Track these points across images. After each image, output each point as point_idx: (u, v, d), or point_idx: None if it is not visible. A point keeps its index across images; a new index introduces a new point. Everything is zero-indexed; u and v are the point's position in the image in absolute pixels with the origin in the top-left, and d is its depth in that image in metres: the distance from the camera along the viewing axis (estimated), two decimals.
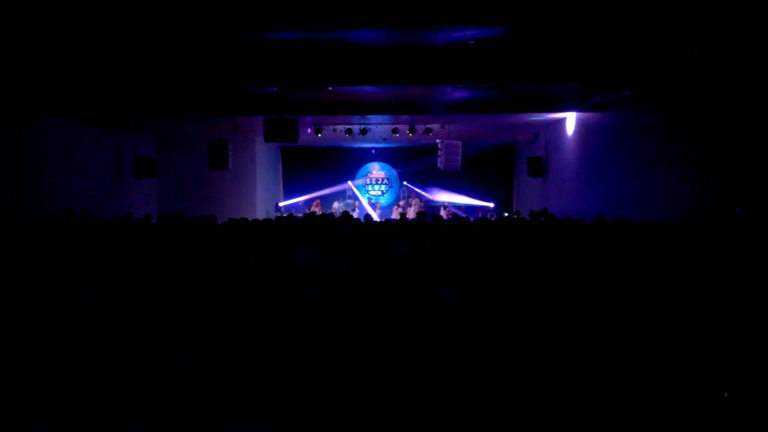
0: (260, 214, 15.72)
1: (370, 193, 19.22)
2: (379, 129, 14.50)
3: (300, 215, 15.32)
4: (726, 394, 3.48)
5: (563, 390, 3.55)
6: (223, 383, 3.37)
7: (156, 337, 3.73)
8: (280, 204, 17.62)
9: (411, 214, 16.78)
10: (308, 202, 17.95)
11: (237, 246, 7.41)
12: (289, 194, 18.59)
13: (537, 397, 3.51)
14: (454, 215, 15.96)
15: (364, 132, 14.31)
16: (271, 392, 3.22)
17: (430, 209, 18.02)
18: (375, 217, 15.54)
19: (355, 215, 16.57)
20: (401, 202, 18.30)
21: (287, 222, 9.48)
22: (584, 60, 8.02)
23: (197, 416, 3.09)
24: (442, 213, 16.66)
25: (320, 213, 15.80)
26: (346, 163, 19.09)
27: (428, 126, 13.91)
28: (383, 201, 18.96)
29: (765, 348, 3.70)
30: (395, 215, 16.61)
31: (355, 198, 18.58)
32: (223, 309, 4.69)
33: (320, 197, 18.07)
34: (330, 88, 8.72)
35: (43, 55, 7.86)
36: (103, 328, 3.74)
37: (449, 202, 17.54)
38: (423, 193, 18.26)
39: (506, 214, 16.62)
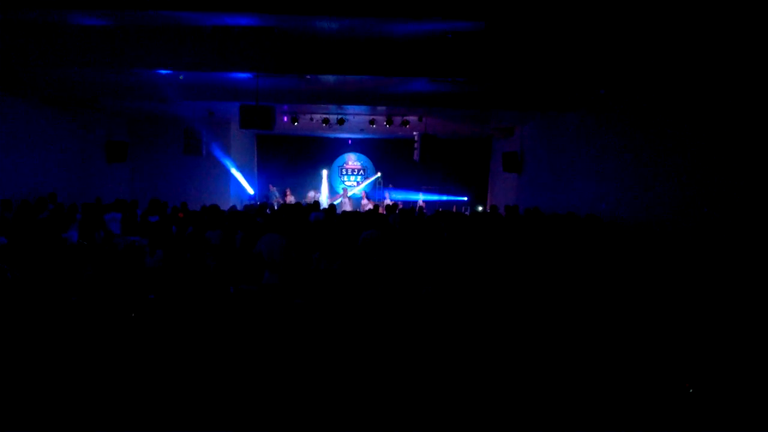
0: (234, 202, 15.57)
1: (346, 184, 19.16)
2: (356, 119, 14.44)
3: (274, 203, 15.23)
4: (690, 390, 3.57)
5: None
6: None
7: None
8: (250, 192, 17.39)
9: (382, 207, 16.78)
10: (281, 191, 17.78)
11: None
12: (263, 182, 18.39)
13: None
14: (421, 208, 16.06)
15: (341, 122, 14.25)
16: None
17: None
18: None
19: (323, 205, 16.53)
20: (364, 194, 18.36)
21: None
22: (559, 57, 8.08)
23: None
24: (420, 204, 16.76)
25: (293, 202, 15.73)
26: (323, 153, 19.00)
27: (405, 118, 13.91)
28: (357, 192, 18.93)
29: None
30: (368, 207, 16.59)
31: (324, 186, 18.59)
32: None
33: (293, 186, 17.95)
34: (308, 77, 8.65)
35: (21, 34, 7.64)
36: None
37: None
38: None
39: (480, 208, 16.75)
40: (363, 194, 17.86)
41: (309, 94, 10.92)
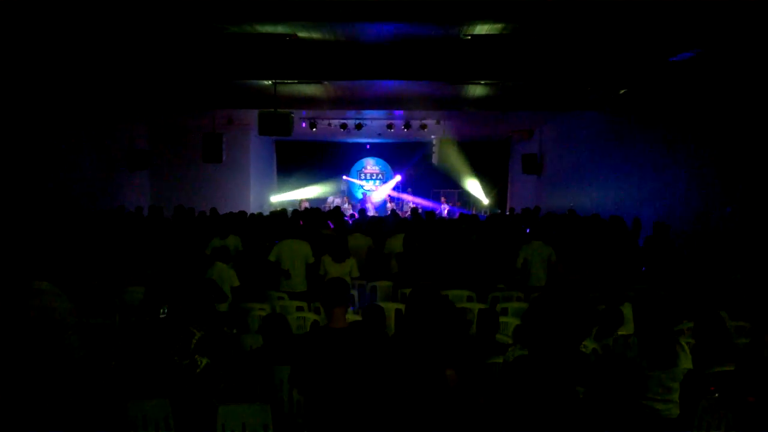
0: (254, 208, 15.64)
1: (365, 188, 19.20)
2: (374, 124, 14.44)
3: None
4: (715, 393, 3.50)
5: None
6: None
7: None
8: (272, 200, 17.48)
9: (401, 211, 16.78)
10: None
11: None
12: (283, 188, 18.47)
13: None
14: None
15: (359, 127, 14.25)
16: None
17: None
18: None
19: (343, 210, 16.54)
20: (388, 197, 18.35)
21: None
22: (581, 58, 7.99)
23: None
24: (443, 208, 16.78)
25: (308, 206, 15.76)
26: (341, 158, 19.02)
27: (423, 122, 13.88)
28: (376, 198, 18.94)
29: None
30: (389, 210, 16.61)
31: (347, 193, 18.61)
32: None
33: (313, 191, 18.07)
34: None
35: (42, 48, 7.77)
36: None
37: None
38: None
39: (499, 212, 16.63)
40: (387, 197, 17.89)
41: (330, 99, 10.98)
